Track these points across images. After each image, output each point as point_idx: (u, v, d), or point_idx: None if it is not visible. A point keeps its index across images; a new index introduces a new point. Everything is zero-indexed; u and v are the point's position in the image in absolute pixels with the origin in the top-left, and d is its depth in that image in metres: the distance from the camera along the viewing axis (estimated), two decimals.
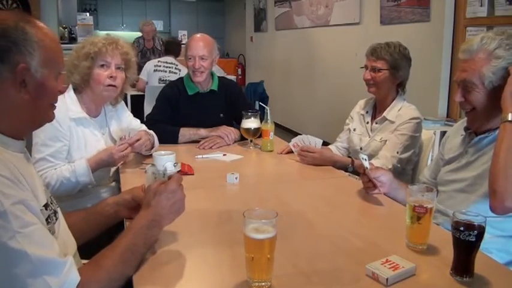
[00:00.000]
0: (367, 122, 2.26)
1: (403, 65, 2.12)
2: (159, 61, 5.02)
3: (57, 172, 1.74)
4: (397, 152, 2.04)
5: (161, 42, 6.14)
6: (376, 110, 2.25)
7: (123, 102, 2.15)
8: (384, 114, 2.16)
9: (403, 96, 2.19)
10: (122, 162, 1.92)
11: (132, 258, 1.04)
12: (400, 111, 2.12)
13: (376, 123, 2.20)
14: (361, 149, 2.21)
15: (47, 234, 0.92)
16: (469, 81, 1.39)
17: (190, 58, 2.42)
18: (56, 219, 1.07)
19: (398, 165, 2.04)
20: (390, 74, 2.11)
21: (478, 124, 1.45)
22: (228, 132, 2.37)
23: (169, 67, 4.97)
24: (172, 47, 5.25)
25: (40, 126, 1.12)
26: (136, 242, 1.06)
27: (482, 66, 1.36)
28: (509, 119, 1.28)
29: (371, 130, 2.22)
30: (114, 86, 1.87)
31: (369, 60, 2.17)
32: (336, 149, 2.38)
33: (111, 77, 1.85)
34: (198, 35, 2.49)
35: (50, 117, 1.09)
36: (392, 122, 2.11)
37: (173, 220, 1.15)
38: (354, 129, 2.31)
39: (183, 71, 4.87)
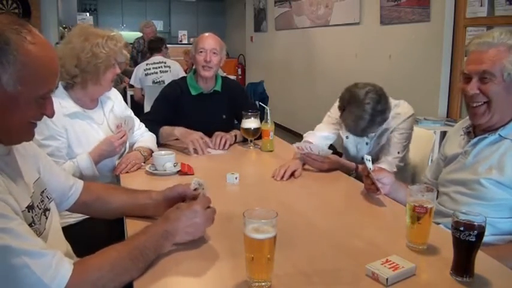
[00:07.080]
0: None
1: (380, 120, 1.99)
2: (147, 64, 4.89)
3: None
4: (398, 152, 2.05)
5: None
6: None
7: (120, 96, 2.15)
8: None
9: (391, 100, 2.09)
10: (122, 150, 1.93)
11: (139, 257, 1.02)
12: (394, 110, 2.05)
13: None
14: (362, 158, 2.14)
15: (29, 230, 0.91)
16: (489, 72, 1.36)
17: (201, 51, 2.38)
18: (46, 218, 1.06)
19: (402, 164, 2.07)
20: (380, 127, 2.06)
21: (487, 118, 1.42)
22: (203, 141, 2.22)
23: (159, 67, 4.88)
24: (155, 45, 5.11)
25: (18, 142, 1.04)
26: (147, 245, 1.05)
27: (504, 58, 1.35)
28: None
29: (367, 137, 2.16)
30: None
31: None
32: (318, 139, 2.24)
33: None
34: (208, 34, 2.47)
35: (28, 136, 1.03)
36: (388, 128, 2.07)
37: (186, 240, 1.16)
38: (347, 137, 2.24)
39: (173, 67, 4.90)
